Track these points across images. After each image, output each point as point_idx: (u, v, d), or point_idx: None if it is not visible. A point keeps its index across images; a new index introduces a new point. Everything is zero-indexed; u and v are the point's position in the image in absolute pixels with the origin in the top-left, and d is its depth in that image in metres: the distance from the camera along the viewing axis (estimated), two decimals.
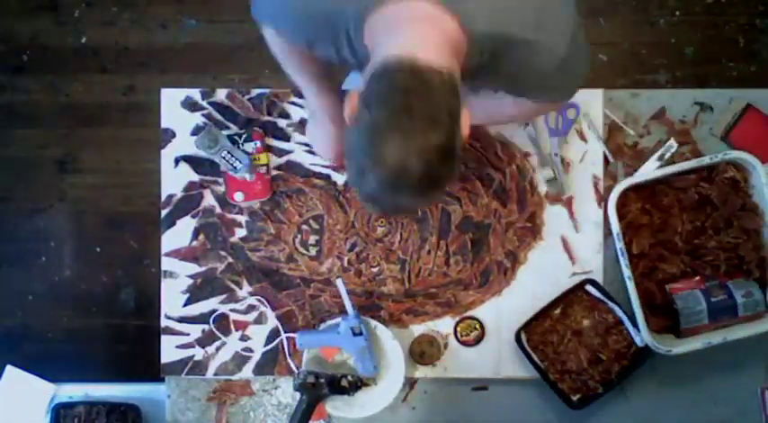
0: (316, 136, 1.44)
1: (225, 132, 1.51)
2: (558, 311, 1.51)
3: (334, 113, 1.33)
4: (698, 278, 1.48)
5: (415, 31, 0.93)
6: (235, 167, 1.46)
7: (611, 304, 1.49)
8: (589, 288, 1.50)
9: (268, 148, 1.54)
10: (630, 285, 1.44)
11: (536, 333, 1.50)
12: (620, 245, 1.44)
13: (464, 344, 1.53)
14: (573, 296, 1.51)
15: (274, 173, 1.55)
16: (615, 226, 1.44)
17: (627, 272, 1.44)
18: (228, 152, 1.45)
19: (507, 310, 1.53)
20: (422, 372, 1.54)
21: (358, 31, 0.99)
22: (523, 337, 1.49)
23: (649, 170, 1.50)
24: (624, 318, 1.49)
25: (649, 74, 2.28)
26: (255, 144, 1.53)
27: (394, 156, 0.87)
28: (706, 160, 1.47)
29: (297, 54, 1.25)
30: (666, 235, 1.51)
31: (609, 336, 1.49)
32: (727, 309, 1.44)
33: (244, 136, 1.52)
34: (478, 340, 1.53)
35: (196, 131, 1.56)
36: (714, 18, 2.31)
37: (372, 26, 0.97)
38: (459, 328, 1.53)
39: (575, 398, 1.49)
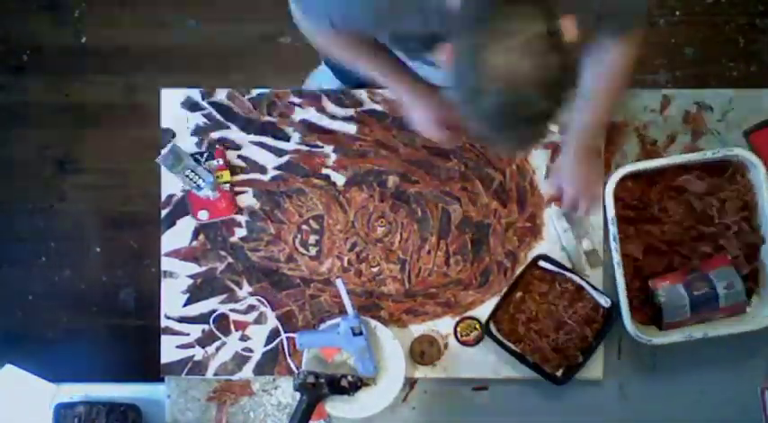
0: (420, 120, 1.35)
1: (189, 151, 1.50)
2: (519, 294, 1.51)
3: (420, 89, 1.31)
4: (681, 270, 1.48)
5: None
6: (198, 186, 1.46)
7: (568, 274, 1.50)
8: (543, 264, 1.51)
9: (230, 165, 1.54)
10: (619, 271, 1.44)
11: (504, 321, 1.51)
12: (613, 230, 1.44)
13: (464, 344, 1.53)
14: (530, 276, 1.51)
15: (275, 173, 1.55)
16: (611, 210, 1.44)
17: (617, 257, 1.44)
18: (192, 170, 1.45)
19: None
20: (422, 372, 1.54)
21: None
22: (493, 327, 1.49)
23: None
24: (584, 283, 1.49)
25: (649, 74, 2.28)
26: (218, 161, 1.52)
27: (500, 63, 0.83)
28: (708, 154, 1.46)
29: (365, 43, 1.23)
30: (658, 227, 1.50)
31: (574, 303, 1.50)
32: (709, 300, 1.45)
33: (206, 154, 1.52)
34: (478, 340, 1.53)
35: (196, 131, 1.56)
36: (714, 18, 2.31)
37: None
38: (459, 328, 1.53)
39: (558, 373, 1.49)
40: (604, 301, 1.48)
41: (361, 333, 1.46)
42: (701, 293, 1.45)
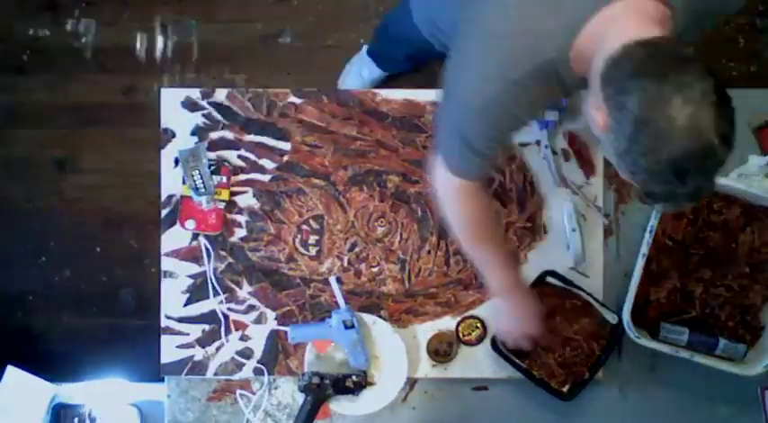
0: (508, 328, 1.42)
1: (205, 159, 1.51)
2: None
3: (523, 294, 1.37)
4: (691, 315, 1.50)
5: (627, 22, 0.93)
6: (197, 189, 1.46)
7: (575, 290, 1.50)
8: (550, 279, 1.50)
9: (230, 187, 1.54)
10: (639, 263, 1.41)
11: None
12: (653, 222, 1.41)
13: (466, 343, 1.53)
14: (537, 291, 1.50)
15: (275, 173, 1.55)
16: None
17: (644, 248, 1.42)
18: (200, 174, 1.45)
19: None
20: (421, 371, 1.54)
21: (565, 63, 0.99)
22: (499, 343, 1.49)
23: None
24: (590, 299, 1.49)
25: None
26: (221, 178, 1.52)
27: (684, 113, 0.86)
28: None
29: (493, 223, 1.30)
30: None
31: (581, 319, 1.50)
32: (707, 345, 1.47)
33: (212, 167, 1.52)
34: (480, 339, 1.52)
35: (196, 131, 1.56)
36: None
37: (581, 46, 0.97)
38: (460, 328, 1.53)
39: (565, 389, 1.49)
40: (611, 318, 1.48)
41: (353, 326, 1.46)
42: (701, 340, 1.46)
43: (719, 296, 1.50)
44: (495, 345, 1.49)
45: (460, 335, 1.53)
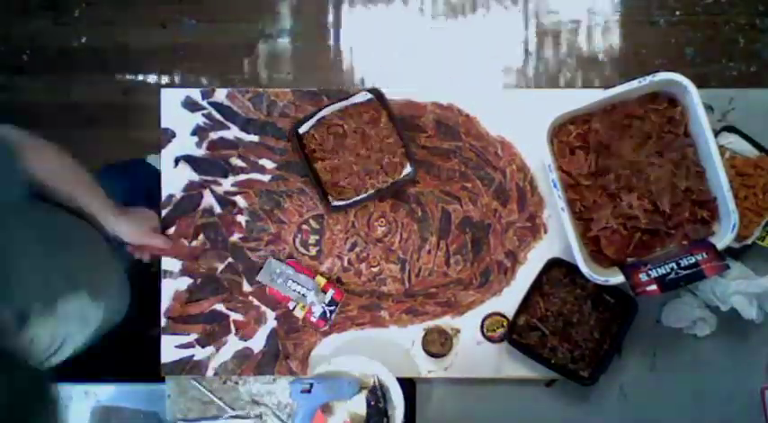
0: (132, 231, 1.45)
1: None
2: (537, 299, 1.50)
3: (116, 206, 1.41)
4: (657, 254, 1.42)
5: None
6: (305, 296, 1.50)
7: (579, 279, 1.49)
8: (555, 268, 1.50)
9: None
10: (565, 216, 1.38)
11: (524, 327, 1.50)
12: (553, 176, 1.39)
13: (490, 340, 1.52)
14: (546, 279, 1.50)
15: (275, 173, 1.55)
16: (548, 157, 1.39)
17: (561, 203, 1.39)
18: (293, 282, 1.51)
19: (507, 309, 1.53)
20: (423, 369, 1.54)
21: None
22: (515, 337, 1.49)
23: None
24: (600, 280, 1.42)
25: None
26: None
27: None
28: (635, 84, 1.41)
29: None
30: (604, 178, 1.44)
31: (594, 303, 1.49)
32: (679, 254, 1.38)
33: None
34: (503, 337, 1.52)
35: (196, 131, 1.56)
36: (714, 18, 2.31)
37: None
38: (486, 323, 1.52)
39: (585, 374, 1.48)
40: (623, 298, 1.47)
41: (310, 388, 1.41)
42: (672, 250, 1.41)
43: (659, 190, 1.42)
44: (511, 341, 1.49)
45: (485, 331, 1.52)
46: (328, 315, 1.51)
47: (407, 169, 1.49)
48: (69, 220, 1.39)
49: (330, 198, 1.50)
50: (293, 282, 1.50)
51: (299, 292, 1.50)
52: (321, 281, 1.51)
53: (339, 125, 1.50)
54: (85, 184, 1.37)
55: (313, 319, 1.51)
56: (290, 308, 1.52)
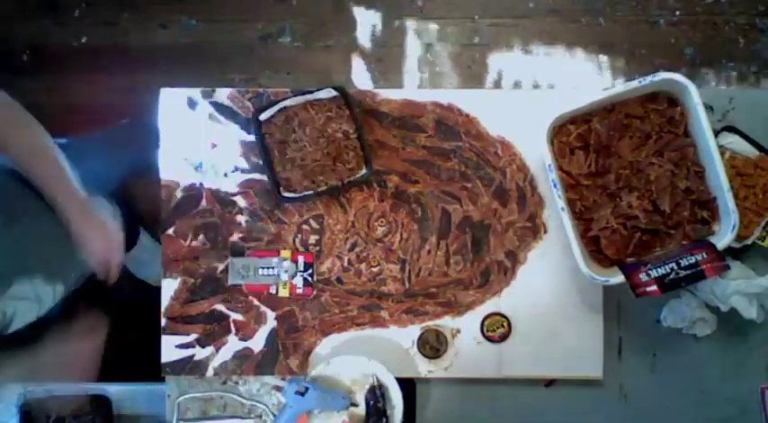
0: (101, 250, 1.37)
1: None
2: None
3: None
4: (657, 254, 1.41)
5: None
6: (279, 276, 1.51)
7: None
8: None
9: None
10: (564, 216, 1.39)
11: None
12: (553, 176, 1.40)
13: (489, 340, 1.52)
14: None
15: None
16: (548, 157, 1.39)
17: (561, 203, 1.39)
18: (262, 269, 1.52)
19: (507, 309, 1.53)
20: (423, 369, 1.54)
21: None
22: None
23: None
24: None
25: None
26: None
27: None
28: (635, 84, 1.41)
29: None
30: (604, 178, 1.45)
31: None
32: (679, 253, 1.38)
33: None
34: (504, 337, 1.52)
35: (196, 132, 1.56)
36: (714, 18, 2.31)
37: None
38: (486, 323, 1.52)
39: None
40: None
41: (306, 390, 1.42)
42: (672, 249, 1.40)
43: (661, 190, 1.42)
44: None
45: (485, 331, 1.52)
46: (311, 280, 1.52)
47: (363, 170, 1.49)
48: (24, 190, 1.29)
49: (281, 188, 1.50)
50: (263, 268, 1.50)
51: (273, 275, 1.50)
52: (286, 254, 1.51)
53: (300, 117, 1.50)
54: (57, 176, 1.29)
55: (299, 291, 1.51)
56: (274, 292, 1.52)
